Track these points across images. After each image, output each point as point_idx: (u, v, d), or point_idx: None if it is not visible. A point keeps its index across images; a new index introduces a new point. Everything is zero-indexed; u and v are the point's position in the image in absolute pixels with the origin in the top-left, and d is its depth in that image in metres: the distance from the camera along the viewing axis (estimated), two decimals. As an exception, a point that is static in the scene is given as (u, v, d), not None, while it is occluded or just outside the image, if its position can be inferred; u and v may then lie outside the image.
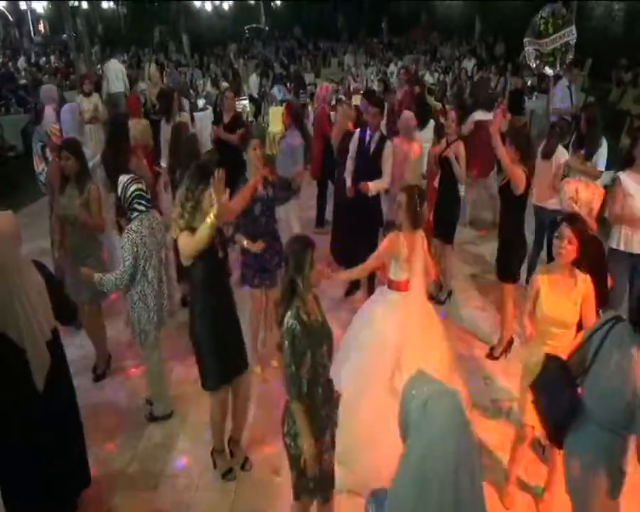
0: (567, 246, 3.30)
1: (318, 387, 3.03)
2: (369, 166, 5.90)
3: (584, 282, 3.40)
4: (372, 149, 5.92)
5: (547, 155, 5.94)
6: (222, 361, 3.79)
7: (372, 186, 5.78)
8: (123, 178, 4.24)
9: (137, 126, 7.85)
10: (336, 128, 6.90)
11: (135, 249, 4.08)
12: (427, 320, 4.15)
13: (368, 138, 5.94)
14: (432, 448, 1.71)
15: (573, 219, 3.46)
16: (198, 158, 5.51)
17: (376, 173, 5.86)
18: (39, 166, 5.87)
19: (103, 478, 4.09)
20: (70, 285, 4.71)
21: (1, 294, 3.09)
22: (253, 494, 3.93)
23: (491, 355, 5.37)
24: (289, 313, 2.92)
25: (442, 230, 6.20)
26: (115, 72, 13.02)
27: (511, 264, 5.14)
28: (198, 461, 4.24)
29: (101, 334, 5.24)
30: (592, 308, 3.42)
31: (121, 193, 4.19)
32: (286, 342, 2.89)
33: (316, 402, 3.04)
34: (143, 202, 4.20)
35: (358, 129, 6.14)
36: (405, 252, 4.04)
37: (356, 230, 6.00)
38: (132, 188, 4.16)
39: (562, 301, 3.39)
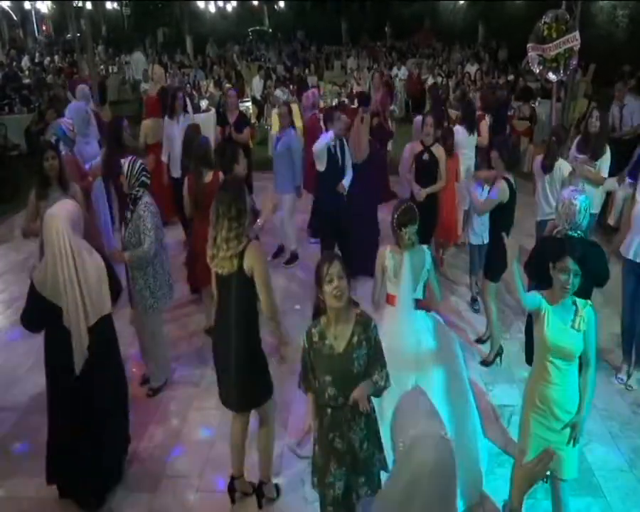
0: (574, 280, 3.09)
1: (327, 409, 2.93)
2: (342, 173, 6.27)
3: (586, 307, 3.19)
4: (339, 158, 6.22)
5: (550, 167, 5.77)
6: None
7: (345, 183, 6.25)
8: (125, 160, 4.56)
9: (154, 126, 7.96)
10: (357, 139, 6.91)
11: (155, 219, 4.50)
12: (416, 338, 3.97)
13: (332, 149, 6.17)
14: (413, 488, 1.70)
15: (576, 248, 3.26)
16: (210, 164, 5.49)
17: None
18: None
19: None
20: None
21: (56, 275, 3.40)
22: (253, 497, 3.90)
23: (484, 362, 5.34)
24: (312, 323, 2.97)
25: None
26: (138, 61, 16.67)
27: (496, 265, 5.05)
28: (198, 462, 4.24)
29: None
30: (592, 336, 3.20)
31: (128, 170, 4.48)
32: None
33: (324, 421, 2.96)
34: (148, 175, 4.60)
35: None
36: (390, 267, 3.98)
37: (354, 239, 6.21)
38: (138, 163, 4.53)
39: (566, 330, 3.17)
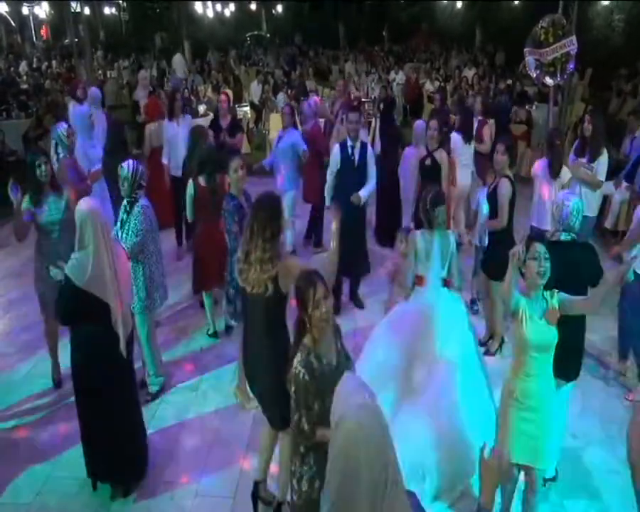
0: (545, 262, 3.24)
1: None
2: (356, 176, 5.98)
3: (553, 296, 3.31)
4: (357, 160, 5.98)
5: (555, 174, 5.68)
6: None
7: (363, 194, 5.96)
8: (129, 161, 4.60)
9: (157, 129, 8.03)
10: (340, 139, 6.65)
11: (148, 221, 4.54)
12: (444, 316, 4.24)
13: (350, 149, 5.99)
14: (338, 461, 1.79)
15: (541, 237, 3.44)
16: (211, 168, 5.48)
17: (362, 183, 5.98)
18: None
19: (101, 483, 4.06)
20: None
21: (100, 269, 3.55)
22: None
23: (487, 352, 5.47)
24: (298, 357, 2.76)
25: None
26: (180, 64, 19.33)
27: (501, 264, 5.19)
28: (196, 467, 4.23)
29: None
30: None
31: (132, 172, 4.51)
32: (293, 388, 2.76)
33: (324, 445, 2.76)
34: (145, 178, 4.67)
35: (337, 145, 6.09)
36: (422, 249, 4.32)
37: (354, 240, 6.11)
38: (141, 167, 4.62)
39: (541, 325, 3.28)
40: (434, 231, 4.34)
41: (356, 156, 5.99)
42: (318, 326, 2.77)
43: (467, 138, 7.25)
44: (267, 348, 3.46)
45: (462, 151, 7.09)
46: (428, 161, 6.14)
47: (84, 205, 3.67)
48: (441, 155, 6.13)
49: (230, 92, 12.91)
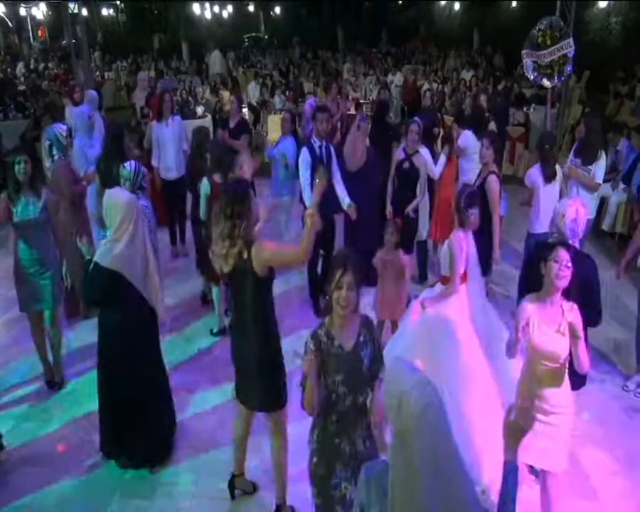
0: (566, 269, 3.17)
1: (332, 415, 2.90)
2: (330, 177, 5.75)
3: (571, 310, 3.22)
4: (324, 158, 5.83)
5: (552, 177, 5.62)
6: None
7: (346, 199, 5.84)
8: (131, 163, 4.69)
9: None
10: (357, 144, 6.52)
11: (146, 221, 4.46)
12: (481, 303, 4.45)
13: (318, 149, 5.83)
14: (406, 442, 1.70)
15: (566, 242, 3.38)
16: (226, 164, 5.45)
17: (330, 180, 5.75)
18: (46, 162, 6.04)
19: (100, 484, 4.08)
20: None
21: (135, 251, 3.78)
22: (251, 503, 3.92)
23: None
24: (318, 325, 2.95)
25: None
26: (217, 58, 19.92)
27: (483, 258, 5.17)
28: (194, 469, 4.23)
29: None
30: (580, 335, 3.20)
31: (135, 173, 4.62)
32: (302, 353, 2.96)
33: (329, 428, 2.93)
34: (146, 180, 4.87)
35: (305, 148, 5.88)
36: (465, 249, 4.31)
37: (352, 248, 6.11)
38: (143, 168, 4.71)
39: (552, 333, 3.22)
40: (468, 231, 4.34)
41: (323, 155, 5.88)
42: (334, 308, 2.82)
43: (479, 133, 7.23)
44: (253, 333, 3.47)
45: (475, 149, 7.02)
46: (406, 165, 6.09)
47: (121, 195, 3.81)
48: (419, 159, 6.07)
49: (227, 94, 12.96)
